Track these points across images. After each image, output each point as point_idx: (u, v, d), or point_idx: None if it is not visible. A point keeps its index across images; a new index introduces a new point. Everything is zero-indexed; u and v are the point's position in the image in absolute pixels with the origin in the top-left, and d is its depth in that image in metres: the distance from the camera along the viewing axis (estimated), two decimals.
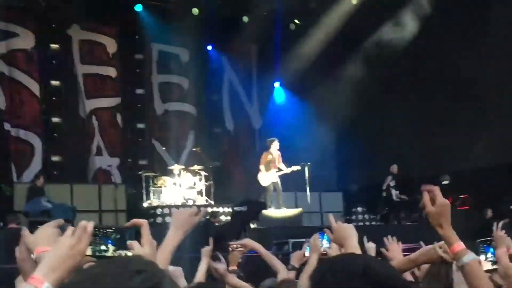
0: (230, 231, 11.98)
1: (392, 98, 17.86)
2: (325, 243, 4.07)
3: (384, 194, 16.70)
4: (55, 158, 16.42)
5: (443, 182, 16.43)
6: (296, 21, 19.91)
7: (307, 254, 4.45)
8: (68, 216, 12.59)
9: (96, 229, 2.12)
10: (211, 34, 18.73)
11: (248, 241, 5.37)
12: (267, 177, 14.86)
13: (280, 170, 14.86)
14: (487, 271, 3.30)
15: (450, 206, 3.01)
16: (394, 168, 16.67)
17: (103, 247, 2.15)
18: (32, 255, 2.23)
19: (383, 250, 4.60)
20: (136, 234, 2.19)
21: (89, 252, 2.09)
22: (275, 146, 14.94)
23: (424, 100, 17.28)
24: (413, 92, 17.56)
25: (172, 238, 2.81)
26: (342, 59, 19.32)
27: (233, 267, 5.61)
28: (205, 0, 18.26)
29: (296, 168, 14.83)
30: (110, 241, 2.16)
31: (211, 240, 5.61)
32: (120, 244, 2.17)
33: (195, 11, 18.17)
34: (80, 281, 1.31)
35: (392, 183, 16.64)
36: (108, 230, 2.18)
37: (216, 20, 18.22)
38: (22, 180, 15.60)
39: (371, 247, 4.54)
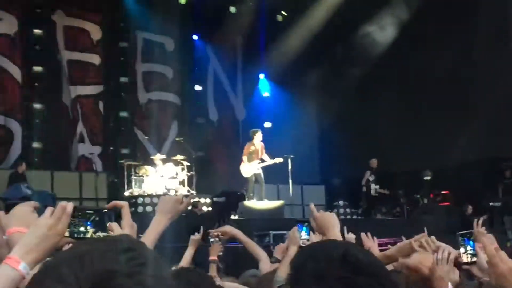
0: (210, 222, 11.96)
1: (376, 92, 17.89)
2: (303, 235, 4.07)
3: (364, 189, 16.73)
4: (36, 145, 16.26)
5: (425, 178, 16.52)
6: (283, 13, 19.86)
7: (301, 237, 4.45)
8: (47, 203, 12.35)
9: (76, 210, 2.07)
10: (197, 23, 18.66)
11: (228, 228, 5.38)
12: (249, 168, 14.84)
13: (263, 161, 14.84)
14: (466, 263, 3.33)
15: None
16: (373, 163, 16.70)
17: (82, 229, 2.12)
18: (4, 236, 2.17)
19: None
20: (116, 217, 2.15)
21: (67, 234, 2.05)
22: (258, 137, 14.93)
23: (407, 94, 17.35)
24: (397, 87, 17.60)
25: (157, 224, 2.80)
26: (327, 52, 19.32)
27: (213, 258, 5.63)
28: None
29: (279, 160, 14.82)
30: (89, 223, 2.13)
31: (201, 229, 5.64)
32: (100, 226, 2.14)
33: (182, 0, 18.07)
34: (66, 258, 1.27)
35: (371, 178, 16.67)
36: (87, 212, 2.14)
37: (203, 10, 18.15)
38: (1, 166, 15.47)
39: (351, 238, 4.58)
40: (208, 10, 18.28)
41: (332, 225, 3.09)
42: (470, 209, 15.59)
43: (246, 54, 20.20)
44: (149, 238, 2.68)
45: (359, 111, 18.11)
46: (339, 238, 3.00)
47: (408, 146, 16.94)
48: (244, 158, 14.91)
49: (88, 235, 2.12)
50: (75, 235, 2.10)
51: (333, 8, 18.31)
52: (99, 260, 1.23)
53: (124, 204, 2.19)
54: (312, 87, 19.78)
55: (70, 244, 2.07)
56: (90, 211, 2.15)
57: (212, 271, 5.32)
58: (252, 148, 14.88)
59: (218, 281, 3.89)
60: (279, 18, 19.93)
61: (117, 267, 1.22)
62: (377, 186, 16.55)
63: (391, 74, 17.79)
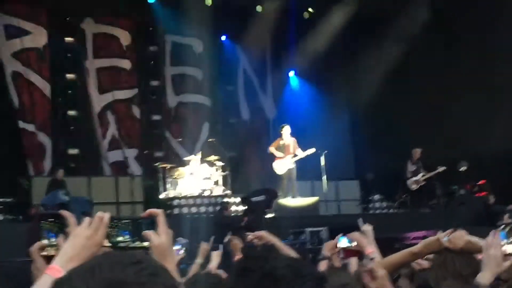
0: (250, 222, 12.05)
1: (408, 83, 17.76)
2: (343, 243, 4.26)
3: (408, 181, 16.53)
4: (72, 152, 16.51)
5: (461, 169, 16.34)
6: (310, 9, 19.82)
7: (339, 244, 4.43)
8: (85, 208, 12.69)
9: (112, 220, 2.13)
10: (225, 24, 18.71)
11: (264, 234, 5.35)
12: (283, 164, 14.82)
13: (295, 156, 14.82)
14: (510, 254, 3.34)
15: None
16: (417, 152, 16.43)
17: (119, 238, 2.16)
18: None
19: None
20: (152, 224, 2.19)
21: (106, 243, 2.11)
22: (286, 131, 14.95)
23: (441, 84, 17.16)
24: (430, 76, 17.43)
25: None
26: (357, 46, 19.23)
27: (239, 256, 5.58)
28: None
29: (311, 150, 14.73)
30: (126, 232, 2.18)
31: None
32: (136, 235, 2.18)
33: (208, 1, 18.13)
34: (79, 270, 1.34)
35: (411, 169, 16.49)
36: (124, 221, 2.20)
37: (230, 10, 18.19)
38: (39, 174, 15.76)
39: (368, 229, 4.49)
40: (235, 10, 18.33)
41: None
42: (492, 198, 15.41)
43: (275, 52, 20.19)
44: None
45: (390, 104, 17.97)
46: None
47: (443, 136, 16.79)
48: (271, 148, 14.95)
49: (125, 244, 2.17)
50: (114, 244, 2.15)
51: (360, 3, 18.20)
52: (109, 271, 1.30)
53: (159, 212, 2.23)
54: (342, 82, 19.70)
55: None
56: (126, 220, 2.21)
57: None
58: (281, 142, 14.92)
59: None
60: (306, 15, 19.89)
61: (126, 278, 1.29)
62: (420, 175, 16.29)
63: (422, 63, 17.64)
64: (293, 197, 14.90)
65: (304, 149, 14.86)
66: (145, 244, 2.17)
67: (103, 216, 2.11)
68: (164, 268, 1.38)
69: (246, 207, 13.95)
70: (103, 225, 2.09)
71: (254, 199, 14.14)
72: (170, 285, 1.33)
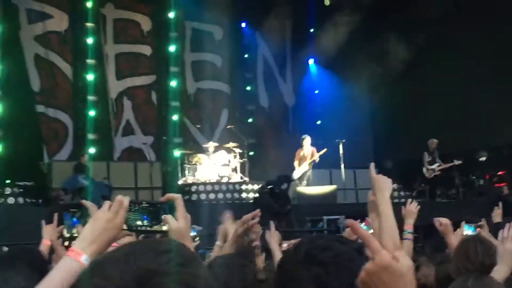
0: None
1: (426, 72, 17.61)
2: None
3: (424, 171, 16.46)
4: (90, 136, 16.59)
5: (480, 159, 16.23)
6: None
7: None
8: (104, 193, 12.77)
9: (132, 204, 2.14)
10: (245, 11, 18.68)
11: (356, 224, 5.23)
12: (299, 172, 15.11)
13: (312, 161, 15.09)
14: None
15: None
16: (433, 143, 16.37)
17: (139, 222, 2.18)
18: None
19: (436, 221, 4.59)
20: (171, 209, 2.20)
21: (125, 227, 2.12)
22: (307, 142, 15.20)
23: (460, 72, 17.03)
24: (449, 65, 17.29)
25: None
26: (377, 34, 19.09)
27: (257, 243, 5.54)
28: None
29: (323, 151, 14.99)
30: (145, 216, 2.19)
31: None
32: (155, 219, 2.20)
33: None
34: (111, 257, 1.35)
35: (429, 159, 16.42)
36: (143, 205, 2.21)
37: None
38: (57, 158, 15.86)
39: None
40: None
41: (384, 188, 3.19)
42: (506, 189, 15.31)
43: (295, 39, 20.14)
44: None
45: (410, 92, 17.88)
46: (388, 201, 3.08)
47: (462, 126, 16.68)
48: (295, 163, 15.20)
49: (144, 228, 2.19)
50: (133, 228, 2.17)
51: None
52: (142, 259, 1.31)
53: (178, 196, 2.24)
54: (362, 70, 19.58)
55: (128, 237, 2.15)
56: (145, 204, 2.22)
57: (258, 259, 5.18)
58: (302, 153, 15.19)
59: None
60: (327, 2, 19.76)
61: (158, 267, 1.30)
62: (436, 165, 16.24)
63: (441, 52, 17.50)
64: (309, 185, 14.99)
65: (322, 139, 15.06)
66: (164, 228, 2.19)
67: (123, 199, 2.12)
68: (195, 257, 1.39)
69: (273, 194, 14.04)
70: (122, 208, 2.11)
71: (282, 186, 14.24)
72: (199, 274, 1.34)
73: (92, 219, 2.10)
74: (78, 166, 14.20)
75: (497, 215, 6.09)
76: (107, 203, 2.12)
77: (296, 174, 15.10)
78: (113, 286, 1.28)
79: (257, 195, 14.65)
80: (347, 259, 1.78)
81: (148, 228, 2.19)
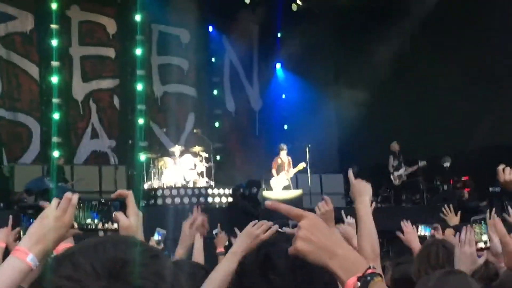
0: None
1: (392, 77, 17.72)
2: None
3: (392, 176, 16.57)
4: (55, 140, 16.37)
5: (444, 165, 16.39)
6: (298, 1, 19.77)
7: None
8: None
9: (81, 202, 2.09)
10: (212, 14, 18.65)
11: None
12: (279, 182, 15.28)
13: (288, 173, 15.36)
14: (481, 249, 3.36)
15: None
16: (394, 146, 16.52)
17: (88, 220, 2.12)
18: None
19: (398, 233, 4.66)
20: (122, 206, 2.15)
21: (75, 225, 2.07)
22: (284, 151, 15.46)
23: (426, 76, 17.19)
24: (415, 69, 17.44)
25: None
26: (344, 38, 19.19)
27: (220, 250, 5.57)
28: None
29: (302, 165, 15.29)
30: (95, 214, 2.13)
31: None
32: (106, 217, 2.14)
33: None
34: (80, 248, 1.32)
35: (394, 163, 16.54)
36: (92, 203, 2.15)
37: (218, 1, 18.11)
38: (21, 161, 15.63)
39: (351, 222, 4.61)
40: (223, 1, 18.24)
41: (364, 192, 3.25)
42: (466, 194, 15.56)
43: (262, 44, 20.16)
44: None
45: (376, 98, 17.98)
46: (367, 205, 3.12)
47: (427, 131, 16.83)
48: (273, 171, 15.40)
49: (94, 226, 2.13)
50: (82, 226, 2.11)
51: None
52: (113, 250, 1.29)
53: (129, 193, 2.19)
54: (329, 75, 19.70)
55: (77, 234, 2.10)
56: (95, 202, 2.16)
57: None
58: (279, 161, 15.43)
59: None
60: (294, 7, 19.83)
61: (130, 257, 1.28)
62: (402, 170, 16.37)
63: (407, 56, 17.62)
64: None
65: (288, 144, 15.13)
66: (115, 226, 2.13)
67: (71, 197, 2.06)
68: (161, 251, 1.39)
69: (244, 197, 14.15)
70: (71, 206, 2.05)
71: (252, 190, 14.41)
72: (168, 266, 1.33)
73: (39, 217, 2.03)
74: (58, 167, 14.13)
75: (451, 218, 6.16)
76: (55, 200, 2.06)
77: (275, 187, 15.24)
78: (84, 275, 1.25)
79: (230, 198, 14.72)
80: (305, 268, 1.76)
81: (99, 227, 2.14)
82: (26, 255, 1.91)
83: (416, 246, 4.50)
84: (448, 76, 16.65)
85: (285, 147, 15.55)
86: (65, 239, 2.07)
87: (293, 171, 15.40)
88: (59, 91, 16.28)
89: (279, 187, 15.26)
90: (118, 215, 2.13)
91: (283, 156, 15.48)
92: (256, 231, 2.61)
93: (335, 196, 17.45)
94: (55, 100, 15.99)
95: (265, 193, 14.77)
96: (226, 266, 2.51)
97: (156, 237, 5.79)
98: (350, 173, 3.46)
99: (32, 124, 16.21)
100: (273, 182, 15.34)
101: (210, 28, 19.33)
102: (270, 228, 2.66)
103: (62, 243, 2.04)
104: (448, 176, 16.62)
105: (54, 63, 16.10)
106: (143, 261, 1.28)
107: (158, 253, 1.34)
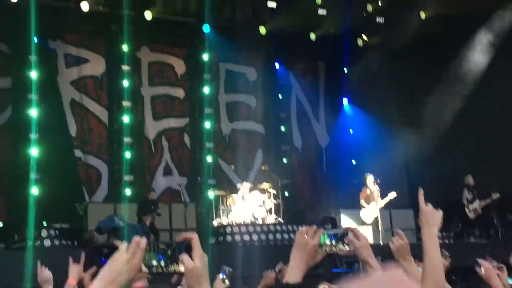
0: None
1: (464, 109, 17.45)
2: None
3: (467, 210, 16.25)
4: (126, 178, 16.72)
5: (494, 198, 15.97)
6: (364, 36, 19.78)
7: None
8: (139, 235, 12.77)
9: (149, 245, 2.16)
10: (279, 52, 18.83)
11: None
12: (369, 213, 15.23)
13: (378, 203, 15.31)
14: None
15: None
16: (469, 180, 16.19)
17: (154, 263, 2.19)
18: None
19: (477, 269, 4.50)
20: (187, 249, 2.21)
21: (143, 268, 2.13)
22: (370, 180, 15.46)
23: (495, 111, 16.88)
24: (484, 103, 17.14)
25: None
26: (411, 73, 19.04)
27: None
28: (272, 18, 18.35)
29: (393, 195, 15.28)
30: (161, 256, 2.20)
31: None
32: (172, 259, 2.21)
33: (262, 29, 18.30)
34: None
35: (469, 196, 16.20)
36: (160, 246, 2.22)
37: (283, 38, 18.30)
38: (94, 200, 16.06)
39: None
40: (289, 38, 18.42)
41: (432, 223, 3.16)
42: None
43: (329, 80, 20.20)
44: None
45: (446, 132, 17.71)
46: (434, 236, 3.02)
47: (500, 165, 16.44)
48: (362, 202, 15.40)
49: (161, 269, 2.20)
50: (150, 269, 2.18)
51: (414, 30, 18.04)
52: None
53: (194, 236, 2.25)
54: (397, 110, 19.51)
55: (145, 278, 2.16)
56: (162, 245, 2.24)
57: None
58: (368, 191, 15.45)
59: None
60: (360, 42, 19.85)
61: None
62: (477, 203, 16.04)
63: (478, 91, 17.37)
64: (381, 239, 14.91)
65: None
66: (181, 268, 2.19)
67: (140, 241, 2.14)
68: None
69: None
70: (140, 249, 2.12)
71: (325, 228, 14.25)
72: None
73: (110, 260, 2.11)
74: (144, 201, 14.49)
75: None
76: (124, 245, 2.14)
77: (367, 219, 15.22)
78: None
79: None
80: None
81: (165, 269, 2.21)
82: None
83: (496, 283, 4.31)
84: None
85: (370, 176, 15.47)
86: (135, 281, 2.13)
87: (383, 201, 15.25)
88: (130, 131, 16.71)
89: (370, 219, 15.11)
90: (184, 257, 2.19)
91: (371, 186, 15.40)
92: (303, 239, 2.59)
93: (406, 231, 17.18)
94: (126, 139, 16.39)
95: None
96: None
97: (221, 275, 5.83)
98: (421, 195, 3.30)
99: (100, 166, 16.65)
100: (363, 213, 15.24)
101: (277, 65, 19.50)
102: (315, 232, 2.63)
103: (135, 284, 2.11)
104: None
105: (126, 103, 16.53)
106: None
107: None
